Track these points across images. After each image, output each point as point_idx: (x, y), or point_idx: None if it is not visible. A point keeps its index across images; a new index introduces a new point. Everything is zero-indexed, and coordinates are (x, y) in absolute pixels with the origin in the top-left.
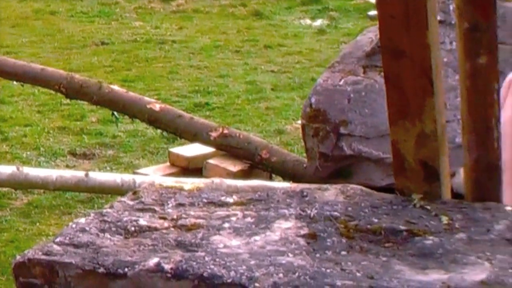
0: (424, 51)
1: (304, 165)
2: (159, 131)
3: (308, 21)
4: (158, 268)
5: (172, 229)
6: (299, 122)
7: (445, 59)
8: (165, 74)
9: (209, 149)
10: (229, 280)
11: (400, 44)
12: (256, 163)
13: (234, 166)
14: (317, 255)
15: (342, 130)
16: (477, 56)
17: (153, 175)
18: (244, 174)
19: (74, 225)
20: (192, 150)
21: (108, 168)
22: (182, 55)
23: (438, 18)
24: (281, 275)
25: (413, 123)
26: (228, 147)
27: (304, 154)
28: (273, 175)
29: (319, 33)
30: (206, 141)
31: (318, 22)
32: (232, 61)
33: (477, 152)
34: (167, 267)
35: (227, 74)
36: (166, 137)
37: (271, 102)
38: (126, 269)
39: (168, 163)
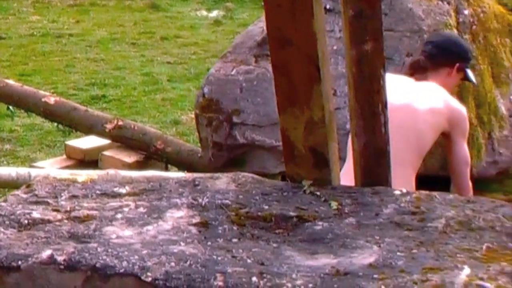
0: (310, 39)
1: (199, 155)
2: (55, 124)
3: (204, 13)
4: (51, 260)
5: (66, 221)
6: None
7: (335, 47)
8: (62, 68)
9: (105, 141)
10: (121, 270)
11: (286, 33)
12: (151, 154)
13: (129, 157)
14: (209, 243)
15: (235, 119)
16: (363, 43)
17: (49, 168)
18: (139, 165)
19: None
20: (88, 142)
21: (5, 163)
22: (79, 48)
23: (327, 6)
24: (173, 264)
25: (301, 111)
26: (123, 139)
27: (199, 144)
28: (169, 165)
29: (215, 24)
30: (101, 133)
31: (214, 13)
32: (129, 54)
33: (365, 137)
34: (60, 259)
35: (123, 67)
36: (63, 130)
37: (167, 93)
38: (19, 262)
39: (64, 156)
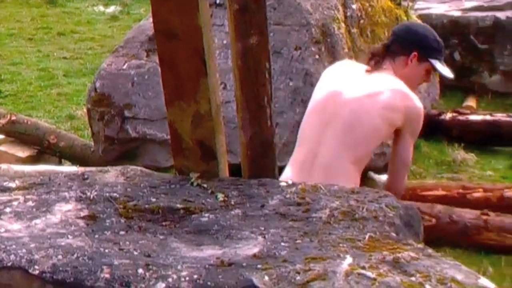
0: (196, 33)
1: (92, 149)
2: None
3: (101, 8)
4: None
5: None
6: None
7: (224, 41)
8: None
9: None
10: (9, 264)
11: (172, 27)
12: (44, 149)
13: (23, 152)
14: (96, 236)
15: (127, 113)
16: (248, 36)
17: None
18: (33, 160)
19: None
20: None
21: None
22: None
23: (217, 1)
24: (60, 256)
25: (188, 104)
26: (16, 134)
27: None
28: (63, 160)
29: (112, 20)
30: None
31: (111, 9)
32: (26, 49)
33: (251, 130)
34: None
35: (20, 62)
36: None
37: (63, 88)
38: None
39: None
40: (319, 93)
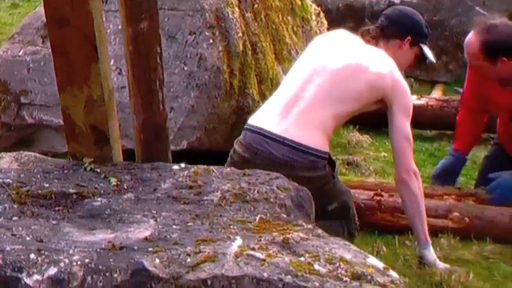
0: (87, 19)
1: None
2: None
3: None
4: None
5: None
6: None
7: (119, 26)
8: None
9: None
10: None
11: (63, 13)
12: None
13: None
14: None
15: (23, 99)
16: (138, 21)
17: None
18: None
19: None
20: None
21: None
22: None
23: None
24: None
25: (80, 89)
26: None
27: None
28: None
29: (12, 7)
30: None
31: None
32: None
33: (144, 114)
34: None
35: None
36: None
37: None
38: None
39: None
40: (315, 44)
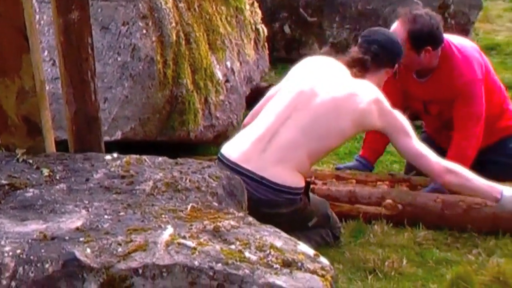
0: (17, 9)
1: None
2: None
3: None
4: None
5: None
6: None
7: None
8: None
9: None
10: None
11: None
12: None
13: None
14: None
15: None
16: (69, 11)
17: None
18: None
19: None
20: None
21: None
22: None
23: None
24: None
25: (12, 80)
26: None
27: None
28: None
29: None
30: None
31: None
32: None
33: (76, 105)
34: None
35: None
36: None
37: None
38: None
39: None
40: (299, 72)
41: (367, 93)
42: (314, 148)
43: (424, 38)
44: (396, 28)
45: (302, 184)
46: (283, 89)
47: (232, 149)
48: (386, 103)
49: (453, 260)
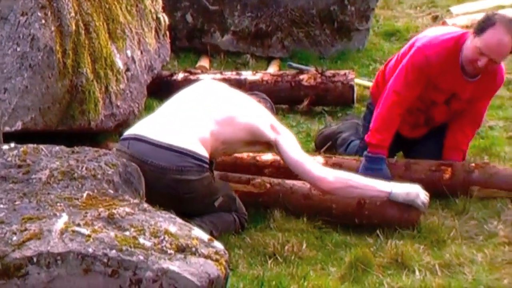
0: None
1: None
2: None
3: None
4: None
5: None
6: None
7: None
8: None
9: None
10: None
11: None
12: None
13: None
14: None
15: None
16: None
17: None
18: None
19: None
20: None
21: None
22: None
23: None
24: None
25: None
26: None
27: None
28: None
29: None
30: None
31: None
32: None
33: None
34: None
35: None
36: None
37: None
38: None
39: None
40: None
41: (261, 108)
42: (217, 130)
43: None
44: (503, 34)
45: (206, 154)
46: (188, 90)
47: (136, 128)
48: (275, 119)
49: (352, 243)
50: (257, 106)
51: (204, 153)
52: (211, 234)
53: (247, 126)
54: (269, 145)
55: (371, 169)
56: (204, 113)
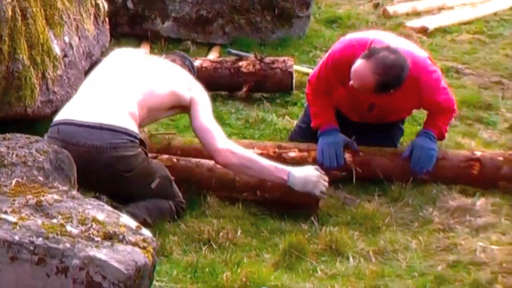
0: None
1: None
2: None
3: None
4: None
5: None
6: None
7: None
8: None
9: None
10: None
11: None
12: None
13: None
14: None
15: None
16: None
17: None
18: None
19: None
20: None
21: None
22: None
23: None
24: None
25: None
26: None
27: None
28: None
29: None
30: None
31: None
32: None
33: None
34: None
35: None
36: None
37: None
38: None
39: None
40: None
41: (180, 70)
42: (142, 99)
43: (390, 87)
44: (364, 71)
45: (136, 129)
46: (104, 64)
47: (63, 113)
48: (193, 81)
49: (287, 230)
50: (176, 69)
51: (134, 128)
52: (144, 220)
53: (169, 92)
54: (187, 109)
55: (328, 141)
56: (127, 85)
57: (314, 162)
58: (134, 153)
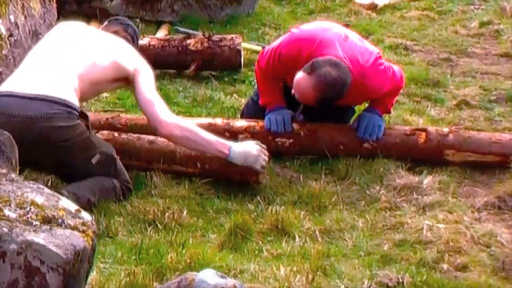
0: None
1: None
2: None
3: None
4: None
5: None
6: None
7: None
8: None
9: None
10: None
11: None
12: None
13: None
14: None
15: None
16: None
17: None
18: None
19: None
20: None
21: None
22: None
23: None
24: None
25: None
26: None
27: None
28: None
29: None
30: None
31: None
32: None
33: None
34: None
35: None
36: None
37: None
38: None
39: None
40: (57, 33)
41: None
42: (84, 72)
43: (330, 100)
44: (306, 86)
45: (75, 101)
46: (47, 38)
47: (3, 86)
48: (135, 53)
49: (233, 209)
50: (119, 41)
51: (73, 99)
52: (88, 200)
53: (111, 64)
54: (131, 81)
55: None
56: (68, 58)
57: (262, 129)
58: (70, 124)
